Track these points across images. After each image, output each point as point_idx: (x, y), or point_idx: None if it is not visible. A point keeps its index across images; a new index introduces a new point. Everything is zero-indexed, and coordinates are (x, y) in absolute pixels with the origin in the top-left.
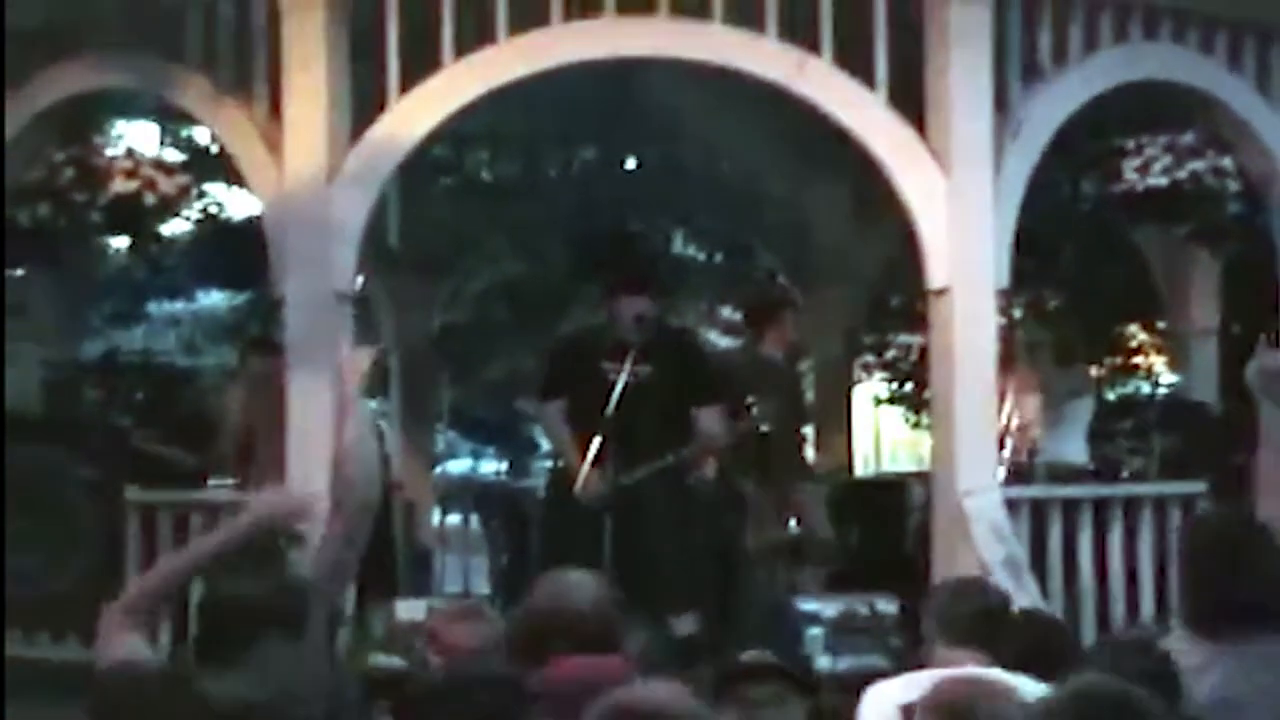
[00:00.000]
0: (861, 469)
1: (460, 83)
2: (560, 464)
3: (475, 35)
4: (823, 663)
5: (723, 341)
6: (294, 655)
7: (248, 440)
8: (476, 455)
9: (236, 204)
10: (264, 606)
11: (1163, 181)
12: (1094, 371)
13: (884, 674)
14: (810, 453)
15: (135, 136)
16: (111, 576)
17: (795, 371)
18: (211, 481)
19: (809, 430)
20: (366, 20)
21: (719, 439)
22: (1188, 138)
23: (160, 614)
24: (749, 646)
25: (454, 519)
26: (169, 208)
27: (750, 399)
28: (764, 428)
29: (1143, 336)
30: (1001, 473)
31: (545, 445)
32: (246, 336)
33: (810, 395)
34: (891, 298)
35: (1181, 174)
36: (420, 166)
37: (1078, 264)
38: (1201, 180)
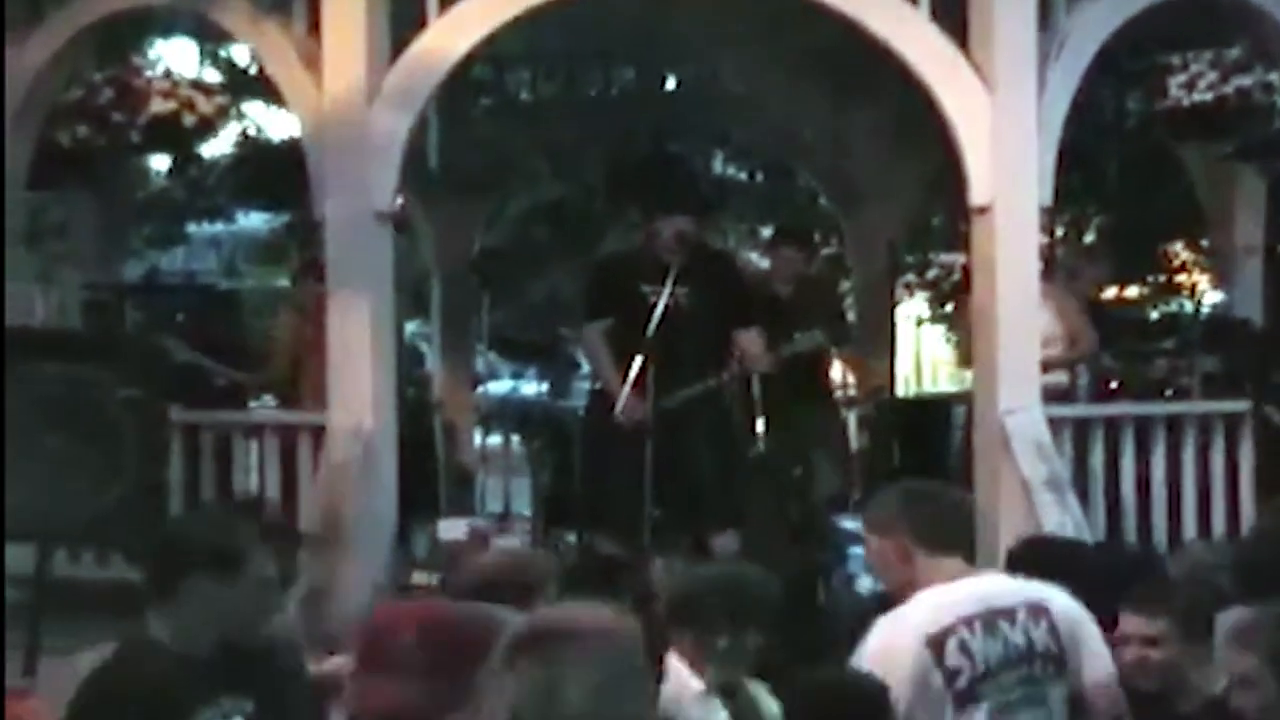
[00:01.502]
0: (902, 389)
1: (499, 1)
2: (600, 386)
3: None
4: (865, 583)
5: (764, 263)
6: (228, 595)
7: (298, 363)
8: (517, 376)
9: (276, 124)
10: (197, 544)
11: (1208, 97)
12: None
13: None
14: (839, 376)
15: (173, 56)
16: (155, 496)
17: (814, 297)
18: (253, 403)
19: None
20: None
21: (758, 361)
22: (1234, 53)
23: None
24: (791, 566)
25: (495, 440)
26: (208, 128)
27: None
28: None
29: (1186, 255)
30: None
31: (586, 366)
32: (291, 260)
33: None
34: (933, 216)
35: (1227, 90)
36: (460, 87)
37: (1121, 182)
38: (1248, 96)
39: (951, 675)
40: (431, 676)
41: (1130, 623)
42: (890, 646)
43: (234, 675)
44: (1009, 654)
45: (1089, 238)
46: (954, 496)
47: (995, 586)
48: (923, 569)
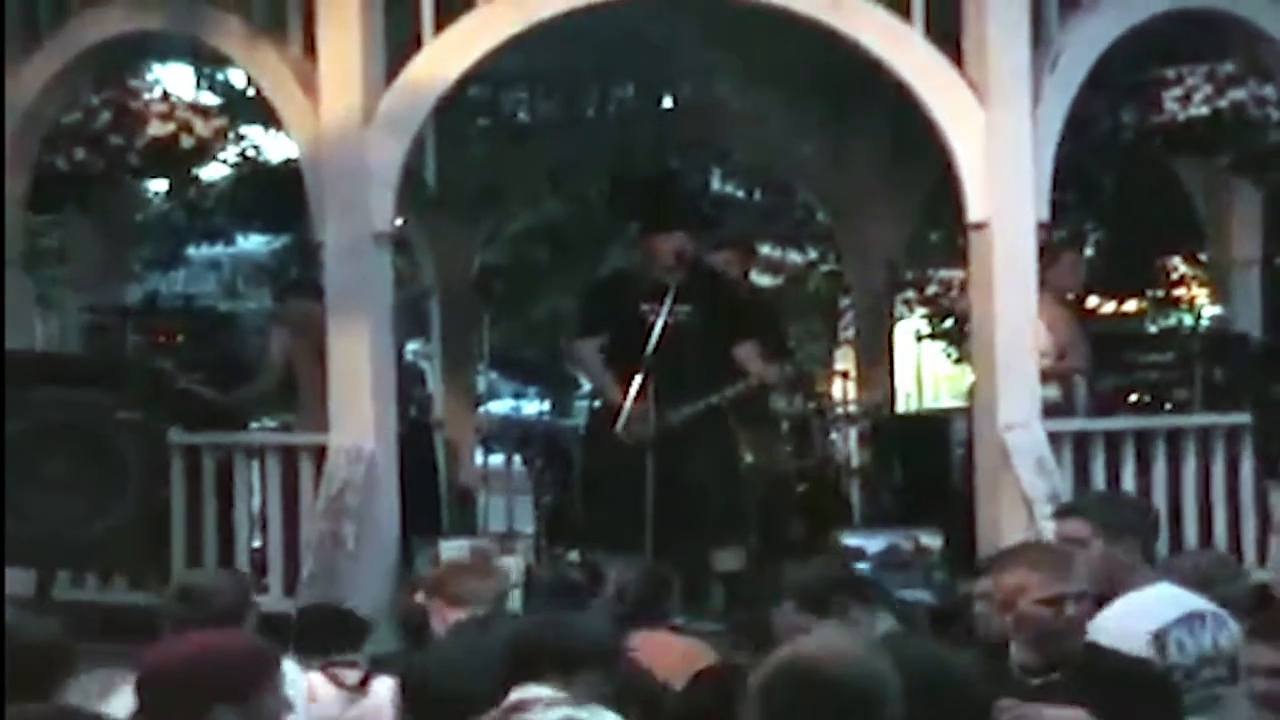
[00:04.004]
0: (903, 405)
1: (495, 21)
2: (600, 403)
3: None
4: None
5: (761, 280)
6: None
7: (290, 382)
8: (519, 395)
9: (274, 147)
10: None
11: (1204, 111)
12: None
13: (929, 608)
14: (839, 392)
15: (171, 79)
16: (156, 519)
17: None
18: (253, 424)
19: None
20: None
21: (763, 375)
22: (1228, 67)
23: None
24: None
25: (497, 459)
26: (206, 150)
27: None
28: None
29: (1184, 268)
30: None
31: (587, 385)
32: (285, 280)
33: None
34: (931, 232)
35: (1222, 103)
36: (457, 107)
37: (1118, 196)
38: (1243, 110)
39: (1170, 669)
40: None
41: (1259, 654)
42: (1123, 640)
43: None
44: (1204, 653)
45: (1087, 252)
46: None
47: (1182, 592)
48: (1137, 574)
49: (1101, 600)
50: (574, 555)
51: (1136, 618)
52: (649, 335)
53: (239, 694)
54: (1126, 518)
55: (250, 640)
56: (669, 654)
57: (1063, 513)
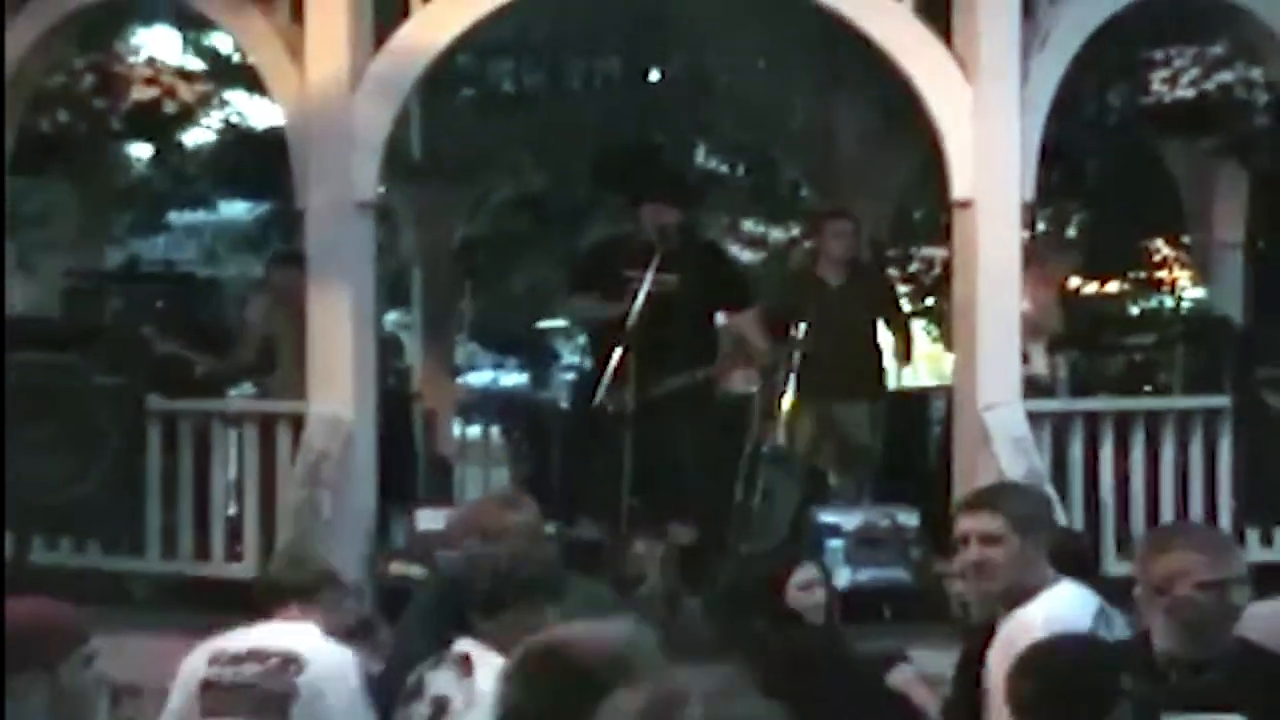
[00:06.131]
0: None
1: None
2: (581, 376)
3: None
4: (843, 574)
5: (744, 255)
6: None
7: (269, 350)
8: (497, 367)
9: (258, 113)
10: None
11: (1191, 93)
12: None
13: (904, 586)
14: None
15: (156, 43)
16: (133, 484)
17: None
18: (232, 391)
19: None
20: None
21: (754, 347)
22: (1216, 49)
23: None
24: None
25: (475, 430)
26: (190, 115)
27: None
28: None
29: (1167, 250)
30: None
31: (566, 357)
32: (272, 249)
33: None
34: (915, 210)
35: (1210, 86)
36: (443, 77)
37: (1103, 177)
38: (1230, 92)
39: None
40: None
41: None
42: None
43: None
44: None
45: (1070, 233)
46: None
47: (1083, 588)
48: (1045, 571)
49: (1014, 599)
50: (550, 528)
51: (1075, 615)
52: (633, 302)
53: (43, 662)
54: (1038, 512)
55: (62, 611)
56: None
57: (973, 505)
